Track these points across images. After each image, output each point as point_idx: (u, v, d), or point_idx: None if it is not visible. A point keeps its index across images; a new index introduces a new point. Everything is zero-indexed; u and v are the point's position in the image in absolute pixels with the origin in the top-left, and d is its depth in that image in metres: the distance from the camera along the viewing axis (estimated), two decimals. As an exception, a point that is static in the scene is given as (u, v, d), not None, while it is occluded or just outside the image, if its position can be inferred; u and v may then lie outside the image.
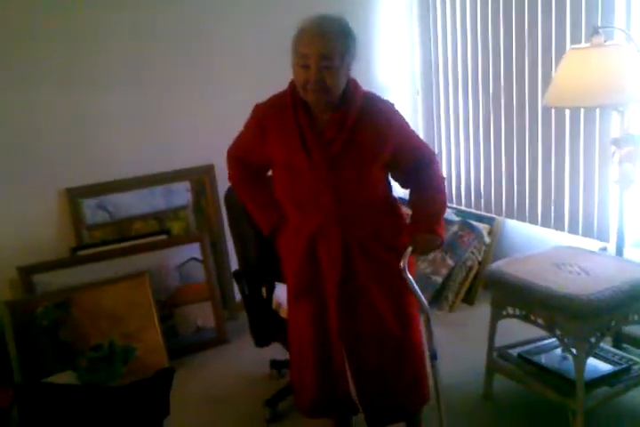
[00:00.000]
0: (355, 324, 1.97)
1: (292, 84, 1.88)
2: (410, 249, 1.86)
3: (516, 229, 3.40)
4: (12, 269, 2.88)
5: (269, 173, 2.07)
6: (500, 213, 3.41)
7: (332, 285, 1.93)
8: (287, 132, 1.88)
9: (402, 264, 1.84)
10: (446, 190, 2.06)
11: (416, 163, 1.98)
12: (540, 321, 2.24)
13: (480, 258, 3.41)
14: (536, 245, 3.04)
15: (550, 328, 2.20)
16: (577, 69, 2.20)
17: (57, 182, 3.00)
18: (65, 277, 2.93)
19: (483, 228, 3.44)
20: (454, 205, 3.68)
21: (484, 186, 3.46)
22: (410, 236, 1.92)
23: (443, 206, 2.00)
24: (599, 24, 2.57)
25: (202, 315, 3.17)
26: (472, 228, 3.43)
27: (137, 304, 2.94)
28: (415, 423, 2.18)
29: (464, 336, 3.01)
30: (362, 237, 1.92)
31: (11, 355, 2.72)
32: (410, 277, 1.85)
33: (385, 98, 1.97)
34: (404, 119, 1.96)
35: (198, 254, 3.17)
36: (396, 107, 1.96)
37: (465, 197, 3.62)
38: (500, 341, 2.46)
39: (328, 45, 1.75)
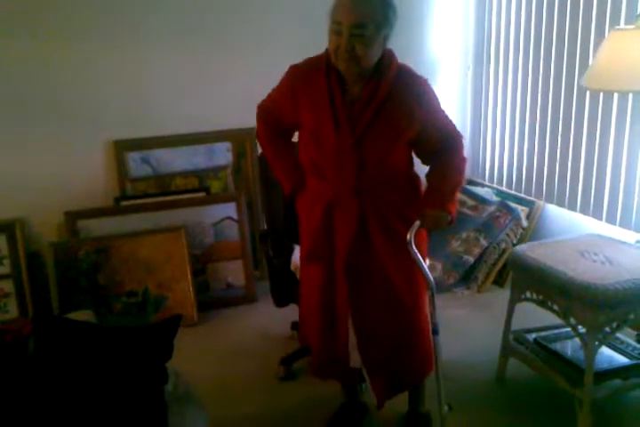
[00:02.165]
0: (364, 293, 1.97)
1: (328, 51, 1.85)
2: (417, 223, 1.87)
3: (557, 214, 3.31)
4: (60, 214, 3.06)
5: (295, 137, 2.08)
6: (540, 197, 3.33)
7: (342, 252, 1.94)
8: (318, 99, 1.87)
9: (408, 237, 1.84)
10: (467, 171, 2.02)
11: (441, 143, 1.96)
12: (555, 307, 2.22)
13: (515, 241, 3.35)
14: (574, 231, 2.96)
15: (565, 315, 2.18)
16: (620, 51, 2.09)
17: (106, 134, 3.14)
18: (107, 224, 3.09)
19: (521, 210, 3.38)
20: (495, 185, 3.63)
21: (527, 168, 3.38)
22: (420, 210, 1.91)
23: (458, 185, 1.98)
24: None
25: (233, 272, 3.28)
26: (510, 209, 3.37)
27: (172, 256, 3.08)
28: (419, 391, 2.22)
29: (487, 317, 3.02)
30: (380, 209, 1.92)
31: (51, 293, 2.93)
32: (415, 250, 1.85)
33: (419, 73, 1.92)
34: (435, 97, 1.92)
35: (234, 214, 3.26)
36: (430, 82, 1.92)
37: (506, 178, 3.55)
38: (521, 324, 2.46)
39: (362, 14, 1.73)
